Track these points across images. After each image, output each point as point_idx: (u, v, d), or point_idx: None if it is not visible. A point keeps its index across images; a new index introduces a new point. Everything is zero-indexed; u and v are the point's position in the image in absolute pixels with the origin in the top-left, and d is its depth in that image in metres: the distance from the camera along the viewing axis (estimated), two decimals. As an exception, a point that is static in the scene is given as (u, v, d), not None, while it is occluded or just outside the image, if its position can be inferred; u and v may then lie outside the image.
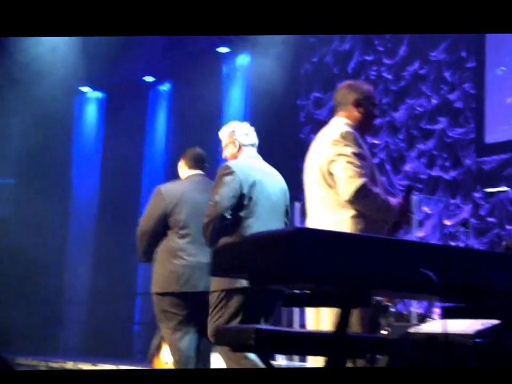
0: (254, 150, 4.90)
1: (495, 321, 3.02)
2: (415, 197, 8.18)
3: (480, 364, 2.95)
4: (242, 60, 11.70)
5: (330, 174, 3.55)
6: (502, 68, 8.67)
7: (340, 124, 3.71)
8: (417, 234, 8.00)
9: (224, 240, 4.44)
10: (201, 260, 4.93)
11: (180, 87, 12.65)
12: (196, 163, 5.32)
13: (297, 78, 10.96)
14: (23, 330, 11.44)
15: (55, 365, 9.94)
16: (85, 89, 13.53)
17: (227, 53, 11.83)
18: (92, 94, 13.77)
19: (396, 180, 9.55)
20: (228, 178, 4.52)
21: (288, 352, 5.81)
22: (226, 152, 4.90)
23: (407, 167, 9.50)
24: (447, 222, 8.88)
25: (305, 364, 6.96)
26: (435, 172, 9.18)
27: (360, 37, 10.27)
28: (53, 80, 11.21)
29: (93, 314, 12.78)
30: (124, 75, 12.47)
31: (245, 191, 4.53)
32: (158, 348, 6.28)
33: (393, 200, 3.60)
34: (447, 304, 2.69)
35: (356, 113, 3.77)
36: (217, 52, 11.80)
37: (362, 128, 3.76)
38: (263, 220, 4.54)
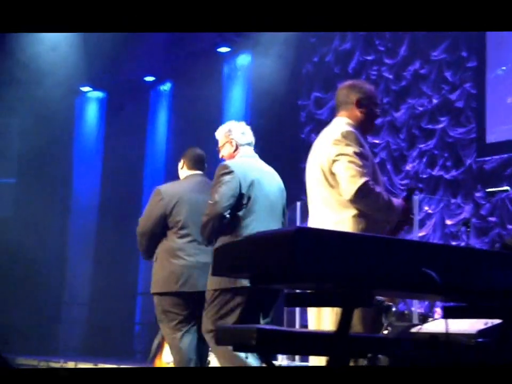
0: (251, 149, 4.90)
1: (497, 321, 3.02)
2: (416, 197, 8.18)
3: (482, 364, 2.94)
4: (243, 59, 11.70)
5: (332, 173, 3.54)
6: (503, 67, 8.66)
7: (341, 124, 3.70)
8: (418, 233, 8.00)
9: (222, 239, 4.48)
10: (200, 260, 4.94)
11: (180, 86, 12.65)
12: (196, 164, 5.33)
13: (298, 77, 10.96)
14: (23, 330, 11.45)
15: (56, 364, 9.94)
16: (85, 89, 13.53)
17: (228, 52, 11.83)
18: (93, 94, 13.76)
19: (396, 179, 9.55)
20: (227, 177, 4.53)
21: (289, 352, 5.82)
22: (223, 152, 4.91)
23: (408, 167, 9.50)
24: (448, 222, 8.88)
25: (306, 363, 6.96)
26: (436, 172, 9.18)
27: (360, 36, 10.27)
28: (54, 79, 11.22)
29: (94, 314, 12.78)
30: (125, 75, 12.47)
31: (244, 190, 4.54)
32: (159, 348, 6.27)
33: (396, 200, 3.60)
34: (448, 304, 2.68)
35: (357, 113, 3.76)
36: (218, 51, 11.80)
37: (364, 128, 3.75)
38: (261, 219, 4.56)
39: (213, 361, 6.62)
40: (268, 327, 2.51)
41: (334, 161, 3.52)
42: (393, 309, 6.20)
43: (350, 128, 3.63)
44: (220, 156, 4.96)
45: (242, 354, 4.45)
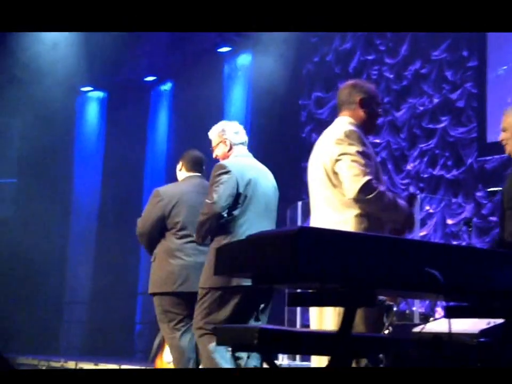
0: (245, 148, 4.92)
1: (499, 320, 3.01)
2: (417, 196, 8.19)
3: (484, 363, 2.94)
4: (244, 59, 11.69)
5: (335, 173, 3.54)
6: (504, 67, 8.66)
7: (344, 123, 3.70)
8: (419, 233, 7.99)
9: (217, 238, 4.53)
10: (198, 260, 4.96)
11: (181, 86, 12.64)
12: (194, 166, 5.36)
13: (298, 77, 10.95)
14: (24, 329, 11.45)
15: (57, 364, 9.93)
16: (86, 88, 13.52)
17: (228, 52, 11.82)
18: (93, 94, 13.75)
19: (397, 179, 9.55)
20: (224, 177, 4.56)
21: (291, 352, 5.83)
22: (217, 152, 4.92)
23: (409, 166, 9.49)
24: (449, 221, 8.88)
25: (307, 363, 6.96)
26: (437, 171, 9.18)
27: (361, 36, 10.27)
28: (54, 79, 11.21)
29: (94, 314, 12.77)
30: (126, 74, 12.46)
31: (241, 189, 4.58)
32: (160, 348, 6.28)
33: (402, 202, 3.59)
34: (450, 304, 2.67)
35: (360, 113, 3.76)
36: (219, 51, 11.79)
37: (366, 127, 3.75)
38: (256, 218, 4.60)
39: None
40: (269, 326, 2.51)
41: (337, 160, 3.52)
42: (395, 309, 6.21)
43: (352, 128, 3.63)
44: (214, 156, 4.98)
45: (243, 354, 4.48)
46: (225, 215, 4.51)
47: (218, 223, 4.52)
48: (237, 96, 11.67)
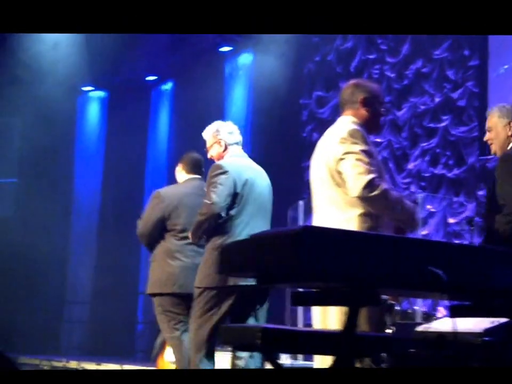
0: (240, 148, 4.92)
1: (503, 320, 3.00)
2: (418, 196, 8.18)
3: (488, 363, 2.93)
4: (245, 58, 11.69)
5: (339, 172, 3.53)
6: (505, 66, 8.65)
7: (347, 123, 3.69)
8: (421, 232, 7.99)
9: (214, 238, 4.55)
10: (196, 262, 4.98)
11: (182, 86, 12.63)
12: (194, 168, 5.38)
13: (299, 76, 10.94)
14: (25, 329, 11.45)
15: (59, 364, 9.94)
16: (87, 88, 13.51)
17: (229, 52, 11.81)
18: (94, 93, 13.75)
19: (399, 178, 9.54)
20: (222, 177, 4.57)
21: (295, 352, 5.84)
22: (212, 152, 4.93)
23: (410, 166, 9.49)
24: (451, 220, 8.88)
25: (309, 363, 6.95)
26: (438, 170, 9.18)
27: (362, 35, 10.26)
28: (55, 79, 11.20)
29: (95, 314, 12.76)
30: (126, 74, 12.45)
31: (238, 189, 4.59)
32: (162, 347, 6.28)
33: (406, 201, 3.58)
34: (453, 303, 2.67)
35: (363, 112, 3.75)
36: (220, 51, 11.79)
37: (369, 126, 3.74)
38: (252, 218, 4.62)
39: (216, 361, 6.61)
40: (272, 326, 2.50)
41: (340, 159, 3.51)
42: (397, 308, 6.21)
43: (356, 127, 3.62)
44: (209, 156, 4.99)
45: (244, 354, 4.50)
46: (224, 215, 4.52)
47: (216, 224, 4.53)
48: (238, 96, 11.66)
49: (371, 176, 3.41)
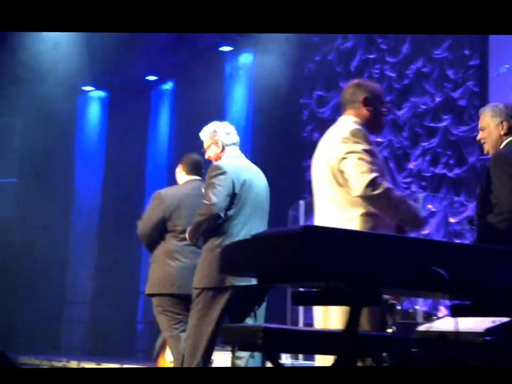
0: (237, 148, 4.94)
1: (504, 319, 3.00)
2: (419, 195, 8.18)
3: (490, 362, 2.93)
4: (245, 58, 11.68)
5: (340, 171, 3.53)
6: (506, 65, 8.65)
7: (349, 122, 3.69)
8: (422, 231, 7.99)
9: (212, 239, 4.58)
10: (195, 263, 4.99)
11: (182, 86, 12.64)
12: (194, 169, 5.40)
13: (300, 76, 10.94)
14: (25, 329, 11.46)
15: (59, 364, 9.94)
16: (87, 88, 13.51)
17: (230, 51, 11.81)
18: (95, 93, 13.74)
19: (399, 178, 9.54)
20: (221, 177, 4.59)
21: (296, 351, 5.85)
22: (210, 153, 4.95)
23: (411, 165, 9.49)
24: (452, 220, 8.88)
25: (310, 362, 6.96)
26: (439, 170, 9.18)
27: (363, 35, 10.26)
28: (56, 79, 11.20)
29: (96, 313, 12.77)
30: (127, 74, 12.45)
31: (237, 190, 4.62)
32: (163, 347, 6.29)
33: (410, 201, 3.58)
34: (454, 302, 2.66)
35: (364, 112, 3.75)
36: (220, 50, 11.78)
37: (371, 126, 3.74)
38: (249, 219, 4.64)
39: (216, 360, 6.61)
40: (274, 326, 2.50)
41: (343, 158, 3.51)
42: (398, 307, 6.22)
43: (358, 126, 3.63)
44: (206, 157, 5.01)
45: (243, 354, 4.51)
46: (223, 215, 4.54)
47: (215, 224, 4.55)
48: (238, 96, 11.66)
49: (373, 175, 3.42)
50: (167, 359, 6.13)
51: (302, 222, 8.40)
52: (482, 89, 8.86)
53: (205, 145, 4.97)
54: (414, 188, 9.36)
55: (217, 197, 4.53)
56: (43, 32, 10.47)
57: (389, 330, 5.37)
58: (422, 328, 3.37)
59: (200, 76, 11.45)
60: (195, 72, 11.63)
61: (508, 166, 3.93)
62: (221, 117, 10.90)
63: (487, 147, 4.24)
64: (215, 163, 4.77)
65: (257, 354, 4.45)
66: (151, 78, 13.08)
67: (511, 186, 3.86)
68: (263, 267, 2.37)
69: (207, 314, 4.54)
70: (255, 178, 4.76)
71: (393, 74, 9.90)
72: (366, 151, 3.49)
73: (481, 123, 4.27)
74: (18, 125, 12.63)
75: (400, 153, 9.66)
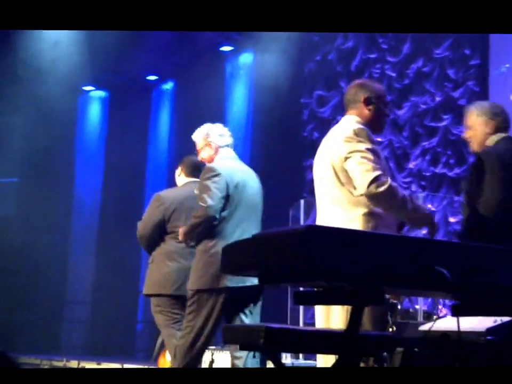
0: (231, 150, 4.96)
1: (506, 318, 3.01)
2: (419, 195, 8.19)
3: (491, 362, 2.93)
4: (246, 58, 11.68)
5: (343, 171, 3.53)
6: (506, 65, 8.65)
7: (351, 122, 3.70)
8: (422, 231, 7.98)
9: (205, 241, 4.61)
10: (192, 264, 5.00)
11: (183, 85, 12.63)
12: (193, 171, 5.43)
13: (300, 76, 10.94)
14: (26, 329, 11.44)
15: (59, 364, 9.94)
16: (88, 88, 13.51)
17: (230, 51, 11.81)
18: (95, 93, 13.74)
19: (399, 177, 9.54)
20: (215, 180, 4.62)
21: (298, 351, 5.88)
22: (203, 155, 4.97)
23: (411, 165, 9.49)
24: (452, 219, 8.88)
25: (311, 362, 6.96)
26: (439, 169, 9.18)
27: (363, 34, 10.26)
28: (56, 78, 11.19)
29: (96, 313, 12.77)
30: (127, 74, 12.44)
31: (230, 192, 4.65)
32: (163, 347, 6.30)
33: (418, 201, 3.59)
34: (456, 302, 2.66)
35: (366, 111, 3.76)
36: (221, 50, 11.78)
37: (373, 126, 3.75)
38: (243, 220, 4.67)
39: (217, 360, 6.62)
40: (275, 325, 2.50)
41: (346, 158, 3.51)
42: (399, 307, 6.22)
43: (361, 126, 3.64)
44: (199, 158, 5.03)
45: (242, 354, 4.53)
46: (218, 217, 4.55)
47: (210, 226, 4.56)
48: (238, 95, 11.66)
49: (377, 173, 3.42)
50: (167, 359, 6.14)
51: (302, 221, 8.40)
52: (483, 88, 8.86)
53: (198, 147, 5.00)
54: (414, 187, 9.36)
55: (212, 199, 4.56)
56: (43, 31, 10.48)
57: (390, 330, 5.37)
58: (424, 327, 3.38)
59: (201, 76, 11.45)
60: (195, 71, 11.63)
61: (496, 164, 3.96)
62: (222, 117, 10.92)
63: (473, 145, 4.28)
64: (208, 165, 4.81)
65: (257, 354, 4.45)
66: (152, 77, 13.08)
67: (497, 183, 3.89)
68: (265, 266, 2.38)
69: (201, 315, 4.57)
70: (249, 179, 4.79)
71: (393, 74, 9.90)
72: (369, 150, 3.50)
73: (467, 121, 4.30)
74: (18, 125, 12.63)
75: (400, 153, 9.66)
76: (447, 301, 6.44)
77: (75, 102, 13.36)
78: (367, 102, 3.76)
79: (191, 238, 4.70)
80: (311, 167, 3.81)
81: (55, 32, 10.44)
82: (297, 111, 10.94)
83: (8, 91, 11.38)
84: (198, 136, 4.98)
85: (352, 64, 10.39)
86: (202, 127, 5.02)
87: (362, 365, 3.03)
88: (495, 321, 3.06)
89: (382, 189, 3.39)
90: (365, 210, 3.48)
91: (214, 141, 4.90)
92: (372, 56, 10.21)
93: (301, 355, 7.61)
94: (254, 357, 4.33)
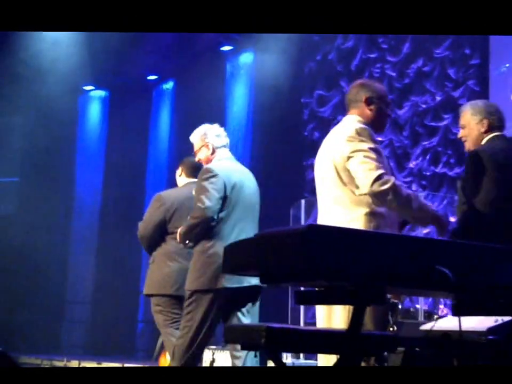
0: (227, 151, 4.96)
1: (506, 318, 3.01)
2: (420, 194, 8.18)
3: (492, 361, 2.93)
4: (246, 58, 11.68)
5: (345, 171, 3.53)
6: (506, 64, 8.66)
7: (353, 121, 3.70)
8: (423, 231, 7.99)
9: (203, 242, 4.61)
10: None
11: (183, 85, 12.63)
12: (194, 172, 5.43)
13: (300, 75, 10.94)
14: (26, 328, 11.44)
15: (59, 363, 9.93)
16: (88, 87, 13.51)
17: (230, 51, 11.81)
18: (95, 93, 13.74)
19: (400, 177, 9.55)
20: (213, 180, 4.63)
21: (299, 351, 5.88)
22: (200, 156, 4.99)
23: (412, 164, 9.49)
24: (452, 219, 8.86)
25: (311, 361, 6.96)
26: (439, 169, 9.19)
27: (363, 34, 10.26)
28: (56, 78, 11.19)
29: (96, 313, 12.77)
30: (128, 74, 12.44)
31: (228, 192, 4.66)
32: (163, 346, 6.30)
33: (422, 199, 3.58)
34: (456, 301, 2.66)
35: (367, 111, 3.77)
36: (221, 50, 11.78)
37: (374, 126, 3.75)
38: (240, 221, 4.68)
39: (218, 360, 6.62)
40: (277, 325, 2.50)
41: (348, 157, 3.51)
42: (399, 307, 6.22)
43: (363, 125, 3.64)
44: (196, 159, 5.04)
45: (241, 353, 4.54)
46: (216, 218, 4.57)
47: (208, 227, 4.57)
48: (239, 95, 11.66)
49: (380, 171, 3.42)
50: (168, 358, 6.13)
51: (303, 221, 8.40)
52: (483, 88, 8.86)
53: (196, 148, 5.01)
54: (414, 187, 9.36)
55: (210, 200, 4.57)
56: (43, 32, 10.47)
57: (391, 329, 5.37)
58: (425, 327, 3.38)
59: (201, 76, 11.45)
60: (196, 71, 11.63)
61: (489, 163, 3.96)
62: (222, 117, 10.92)
63: (468, 145, 4.28)
64: (206, 166, 4.82)
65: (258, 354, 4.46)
66: (152, 77, 13.08)
67: (491, 182, 3.90)
68: (267, 266, 2.38)
69: (198, 315, 4.58)
70: (246, 180, 4.79)
71: (393, 74, 9.90)
72: (372, 149, 3.50)
73: (462, 121, 4.31)
74: (18, 125, 12.63)
75: (401, 152, 9.66)
76: (447, 300, 6.44)
77: (75, 102, 13.36)
78: (368, 101, 3.77)
79: (189, 238, 4.71)
80: (311, 166, 3.82)
81: (55, 32, 10.44)
82: (298, 110, 10.94)
83: (8, 91, 11.38)
84: (195, 137, 5.00)
85: (352, 63, 10.39)
86: (199, 128, 5.04)
87: (363, 364, 3.02)
88: (496, 320, 3.06)
89: (385, 187, 3.39)
90: (366, 210, 3.48)
91: (211, 142, 4.91)
92: (372, 55, 10.21)
93: (301, 355, 7.61)
94: (255, 356, 4.34)
